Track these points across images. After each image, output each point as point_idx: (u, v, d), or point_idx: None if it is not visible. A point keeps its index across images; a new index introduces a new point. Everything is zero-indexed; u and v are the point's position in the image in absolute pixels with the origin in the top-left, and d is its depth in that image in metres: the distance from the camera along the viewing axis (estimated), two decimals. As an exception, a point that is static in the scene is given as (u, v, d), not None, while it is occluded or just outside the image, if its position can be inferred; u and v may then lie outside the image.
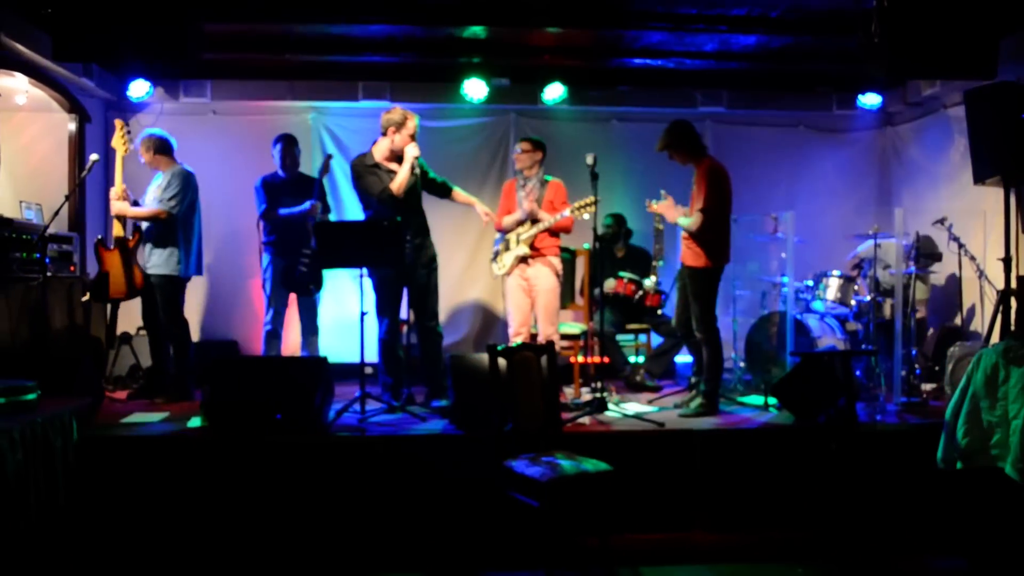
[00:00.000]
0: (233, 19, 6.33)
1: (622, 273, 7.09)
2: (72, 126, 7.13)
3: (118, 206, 6.06)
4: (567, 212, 5.94)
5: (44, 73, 6.48)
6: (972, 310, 7.02)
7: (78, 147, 7.12)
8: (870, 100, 7.95)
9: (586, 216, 5.87)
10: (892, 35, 5.11)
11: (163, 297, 6.13)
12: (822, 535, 4.86)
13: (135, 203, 6.19)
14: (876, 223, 6.92)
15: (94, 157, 6.15)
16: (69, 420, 4.50)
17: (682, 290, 5.91)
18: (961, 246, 6.54)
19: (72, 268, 6.59)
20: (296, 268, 6.37)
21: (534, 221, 6.09)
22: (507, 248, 6.24)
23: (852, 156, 8.60)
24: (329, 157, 6.60)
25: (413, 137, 5.80)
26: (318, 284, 6.48)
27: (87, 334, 6.73)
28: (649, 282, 7.10)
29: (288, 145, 6.65)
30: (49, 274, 5.96)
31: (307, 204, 6.46)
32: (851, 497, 4.92)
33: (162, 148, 6.25)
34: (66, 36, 4.89)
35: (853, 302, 6.88)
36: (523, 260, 6.16)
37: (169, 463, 4.77)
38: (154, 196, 6.13)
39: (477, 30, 6.83)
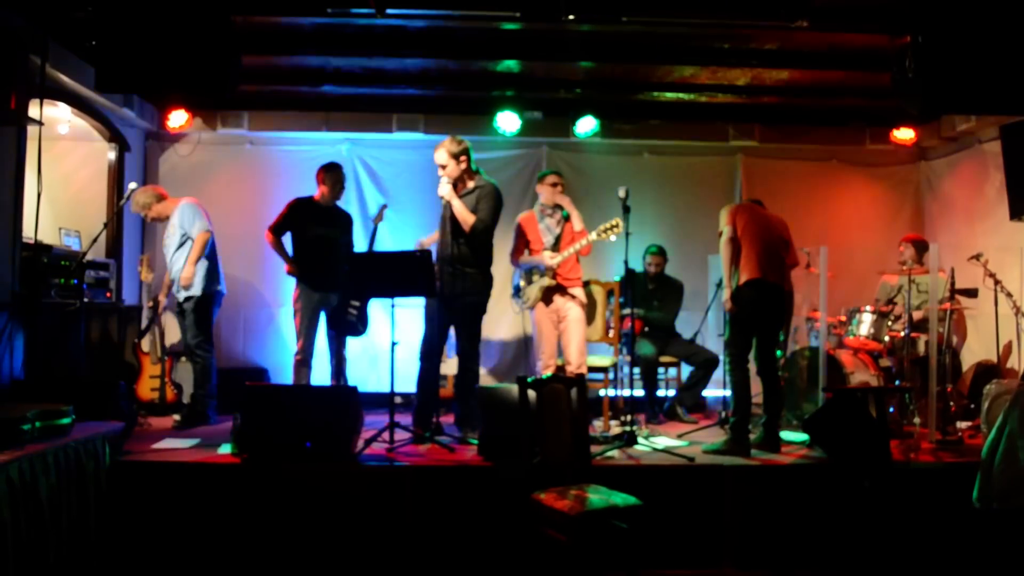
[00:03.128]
0: (271, 52, 6.44)
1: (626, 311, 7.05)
2: (112, 155, 7.28)
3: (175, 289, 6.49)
4: (592, 236, 5.97)
5: (86, 103, 6.63)
6: (1009, 347, 6.91)
7: (117, 175, 7.27)
8: (904, 135, 7.90)
9: (612, 238, 5.89)
10: (926, 70, 5.08)
11: (193, 317, 6.47)
12: (853, 574, 4.77)
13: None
14: (909, 260, 6.87)
15: (133, 185, 6.27)
16: (102, 445, 4.55)
17: None
18: (997, 282, 6.45)
19: (108, 294, 6.69)
20: (345, 314, 6.42)
21: (555, 249, 6.12)
22: (529, 281, 6.24)
23: (886, 191, 8.55)
24: (384, 207, 6.63)
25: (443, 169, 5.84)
26: (365, 325, 6.53)
27: (121, 359, 6.81)
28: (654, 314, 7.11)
29: (340, 173, 6.71)
30: (86, 300, 6.04)
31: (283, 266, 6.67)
32: (884, 536, 4.84)
33: (161, 197, 6.58)
34: (109, 68, 4.97)
35: (887, 338, 6.81)
36: (549, 292, 6.16)
37: (199, 489, 4.80)
38: (179, 233, 6.42)
39: (510, 64, 6.89)
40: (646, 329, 7.19)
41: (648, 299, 7.28)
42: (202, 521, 4.73)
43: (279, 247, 6.63)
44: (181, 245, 6.40)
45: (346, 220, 6.85)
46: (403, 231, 7.83)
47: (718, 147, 8.28)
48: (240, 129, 7.89)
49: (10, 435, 3.96)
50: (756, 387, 5.77)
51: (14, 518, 3.63)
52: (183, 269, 6.34)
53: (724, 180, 8.39)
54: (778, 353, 5.93)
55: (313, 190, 6.69)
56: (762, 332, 5.71)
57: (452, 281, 5.77)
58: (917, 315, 6.66)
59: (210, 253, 6.47)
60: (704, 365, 7.03)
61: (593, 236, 5.97)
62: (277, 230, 6.64)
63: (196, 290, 6.37)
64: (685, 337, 7.27)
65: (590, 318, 6.50)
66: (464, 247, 5.78)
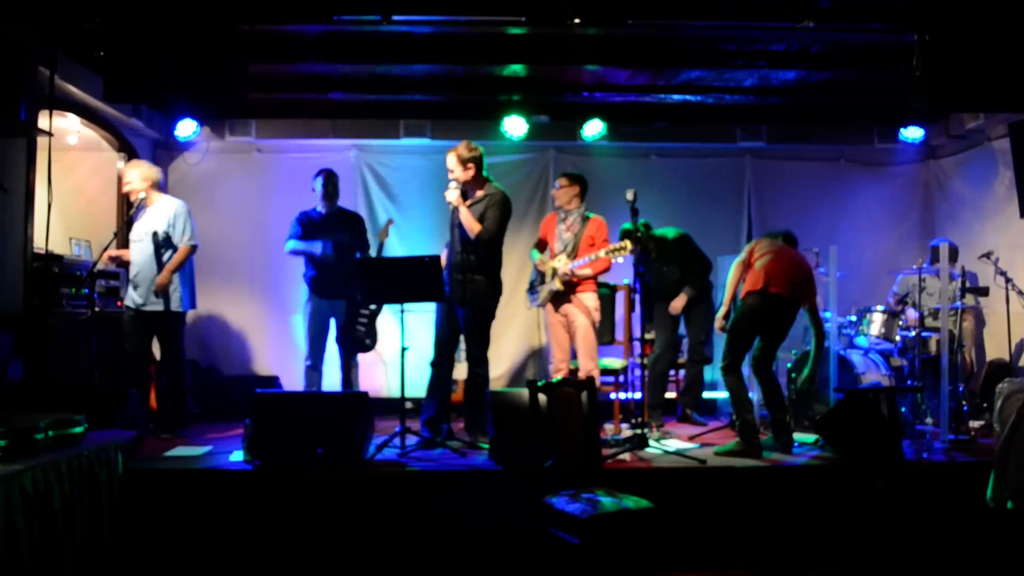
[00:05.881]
0: (277, 60, 6.46)
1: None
2: (121, 164, 7.29)
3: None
4: (601, 253, 5.91)
5: (95, 114, 6.66)
6: (1021, 345, 6.88)
7: (126, 185, 7.29)
8: (912, 133, 7.87)
9: (620, 260, 5.86)
10: (934, 68, 5.08)
11: (177, 333, 6.29)
12: (866, 575, 4.76)
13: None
14: (920, 257, 6.84)
15: (142, 195, 6.28)
16: (114, 453, 4.56)
17: None
18: (1008, 280, 6.43)
19: (119, 304, 6.70)
20: (354, 330, 6.40)
21: (571, 256, 6.09)
22: (542, 281, 6.25)
23: (894, 190, 8.52)
24: (390, 221, 6.62)
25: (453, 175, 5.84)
26: (374, 340, 6.53)
27: (132, 368, 6.83)
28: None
29: (330, 176, 6.70)
30: (97, 309, 6.06)
31: (317, 245, 6.49)
32: (897, 536, 4.82)
33: (159, 182, 6.30)
34: (117, 78, 5.03)
35: (898, 337, 6.78)
36: (558, 296, 6.15)
37: (211, 497, 4.81)
38: (165, 234, 6.12)
39: (517, 68, 6.89)
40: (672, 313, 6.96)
41: (660, 283, 6.98)
42: (215, 528, 4.74)
43: (299, 251, 6.64)
44: (164, 245, 6.13)
45: (353, 221, 6.80)
46: (411, 237, 7.85)
47: (726, 149, 8.28)
48: (248, 137, 7.91)
49: (23, 445, 3.97)
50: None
51: (28, 527, 3.64)
52: (161, 274, 6.04)
53: (732, 181, 8.38)
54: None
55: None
56: (763, 340, 5.73)
57: (460, 288, 5.77)
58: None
59: (192, 268, 6.36)
60: (692, 362, 7.02)
61: (601, 253, 5.93)
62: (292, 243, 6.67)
63: (186, 306, 6.27)
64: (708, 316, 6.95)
65: (602, 321, 6.47)
66: (472, 254, 5.78)
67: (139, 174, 6.15)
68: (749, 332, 5.69)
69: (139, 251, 6.15)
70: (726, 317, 5.76)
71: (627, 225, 6.40)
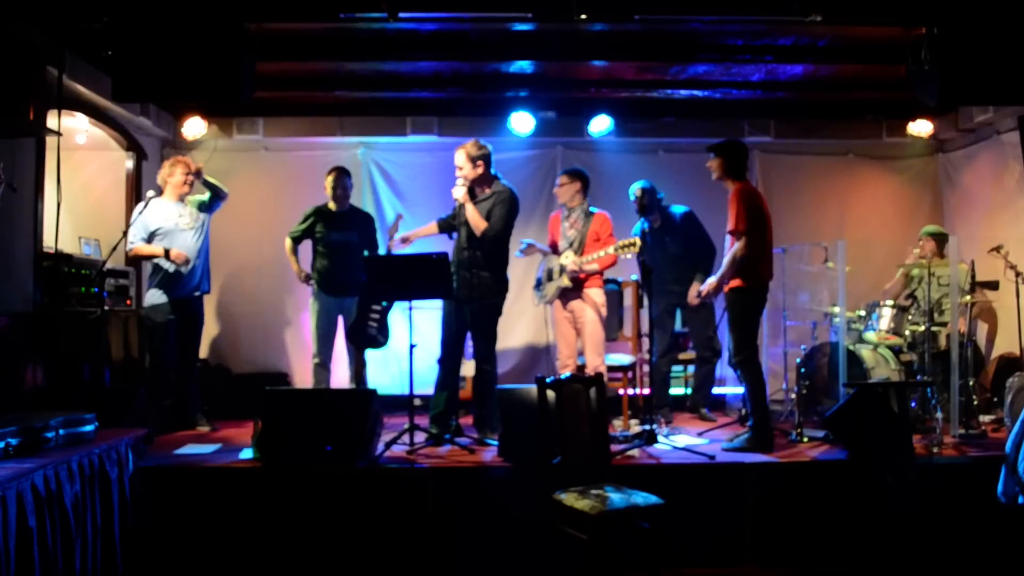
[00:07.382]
0: (284, 58, 6.47)
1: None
2: (129, 164, 7.34)
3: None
4: (611, 250, 5.90)
5: (104, 113, 6.68)
6: (1031, 339, 6.85)
7: (135, 184, 7.32)
8: (921, 127, 7.84)
9: (628, 256, 5.84)
10: (942, 62, 5.05)
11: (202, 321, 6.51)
12: (877, 571, 4.75)
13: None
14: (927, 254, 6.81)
15: (151, 194, 6.28)
16: (125, 451, 4.58)
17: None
18: (1019, 274, 6.40)
19: (128, 302, 6.74)
20: (365, 326, 6.40)
21: (578, 252, 6.08)
22: (550, 278, 6.25)
23: (903, 184, 8.49)
24: (399, 217, 6.65)
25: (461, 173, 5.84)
26: (386, 336, 6.53)
27: (142, 366, 6.86)
28: None
29: (340, 176, 6.75)
30: (106, 308, 6.09)
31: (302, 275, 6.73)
32: (907, 532, 4.81)
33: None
34: (125, 77, 5.02)
35: (907, 332, 6.75)
36: (566, 292, 6.15)
37: (221, 494, 4.83)
38: (203, 224, 6.38)
39: (523, 64, 6.89)
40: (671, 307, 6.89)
41: (662, 256, 6.76)
42: (225, 525, 4.76)
43: (292, 255, 6.73)
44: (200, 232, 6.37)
45: (363, 221, 6.86)
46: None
47: (734, 144, 8.25)
48: (255, 135, 7.93)
49: (34, 443, 4.00)
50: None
51: (39, 526, 3.66)
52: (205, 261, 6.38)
53: (740, 176, 8.34)
54: None
55: (329, 196, 6.76)
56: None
57: (467, 284, 5.78)
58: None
59: None
60: (703, 360, 6.95)
61: (611, 250, 5.92)
62: (295, 238, 6.72)
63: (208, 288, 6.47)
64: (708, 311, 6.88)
65: (609, 317, 6.47)
66: (478, 251, 5.79)
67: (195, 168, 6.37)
68: (755, 322, 5.67)
69: (195, 240, 6.29)
70: (738, 302, 5.64)
71: (642, 183, 6.43)
